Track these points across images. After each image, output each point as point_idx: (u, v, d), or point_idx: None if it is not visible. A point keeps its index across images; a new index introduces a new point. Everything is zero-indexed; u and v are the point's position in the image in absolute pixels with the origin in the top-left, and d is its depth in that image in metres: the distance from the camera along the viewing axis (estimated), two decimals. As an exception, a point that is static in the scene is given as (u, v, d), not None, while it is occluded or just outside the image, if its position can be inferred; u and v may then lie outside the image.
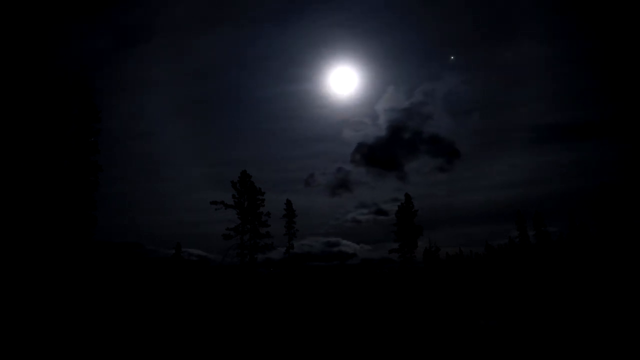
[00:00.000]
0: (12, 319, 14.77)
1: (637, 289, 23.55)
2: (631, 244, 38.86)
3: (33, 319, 15.22)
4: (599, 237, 45.94)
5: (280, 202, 44.01)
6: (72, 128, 22.58)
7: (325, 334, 14.94)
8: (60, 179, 21.71)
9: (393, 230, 43.38)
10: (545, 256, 46.61)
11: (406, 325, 17.05)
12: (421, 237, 42.62)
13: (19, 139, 21.00)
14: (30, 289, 17.73)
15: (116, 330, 14.95)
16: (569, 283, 31.18)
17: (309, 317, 19.83)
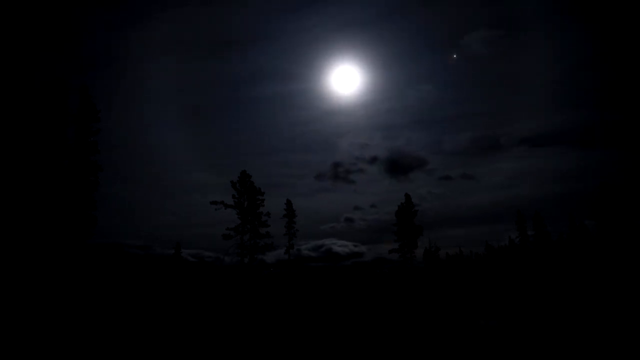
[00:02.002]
0: (13, 318, 14.76)
1: (637, 289, 23.54)
2: (631, 243, 38.84)
3: (34, 318, 15.20)
4: (598, 237, 45.92)
5: (280, 203, 44.02)
6: (71, 128, 22.58)
7: (327, 334, 14.93)
8: (60, 179, 21.69)
9: (393, 230, 43.36)
10: (545, 256, 46.59)
11: (406, 324, 17.04)
12: (421, 237, 42.55)
13: (19, 139, 20.99)
14: (31, 289, 17.71)
15: (117, 328, 14.93)
16: (569, 283, 31.16)
17: (310, 317, 19.81)
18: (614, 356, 10.79)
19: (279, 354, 12.03)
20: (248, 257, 31.65)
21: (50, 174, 21.41)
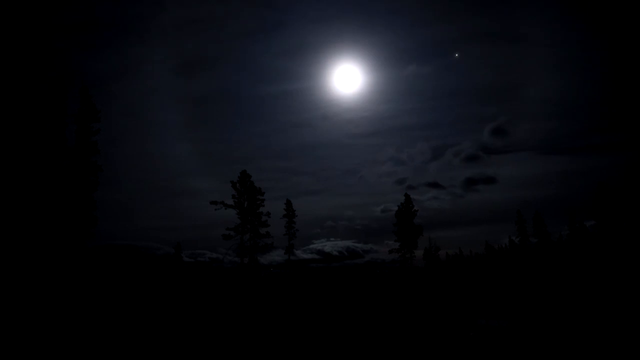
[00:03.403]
0: (13, 318, 14.75)
1: (636, 289, 23.54)
2: (631, 243, 38.86)
3: (34, 319, 15.20)
4: (598, 237, 45.96)
5: (279, 205, 44.13)
6: (71, 128, 22.59)
7: (327, 334, 14.92)
8: (60, 179, 21.69)
9: (393, 230, 43.34)
10: (545, 256, 46.62)
11: (407, 324, 17.04)
12: (421, 237, 42.52)
13: (19, 139, 20.99)
14: (31, 289, 17.71)
15: (117, 329, 14.93)
16: (569, 283, 31.17)
17: (310, 318, 19.80)
18: (615, 356, 10.79)
19: (279, 354, 12.02)
20: (248, 257, 31.64)
21: (50, 174, 21.41)
